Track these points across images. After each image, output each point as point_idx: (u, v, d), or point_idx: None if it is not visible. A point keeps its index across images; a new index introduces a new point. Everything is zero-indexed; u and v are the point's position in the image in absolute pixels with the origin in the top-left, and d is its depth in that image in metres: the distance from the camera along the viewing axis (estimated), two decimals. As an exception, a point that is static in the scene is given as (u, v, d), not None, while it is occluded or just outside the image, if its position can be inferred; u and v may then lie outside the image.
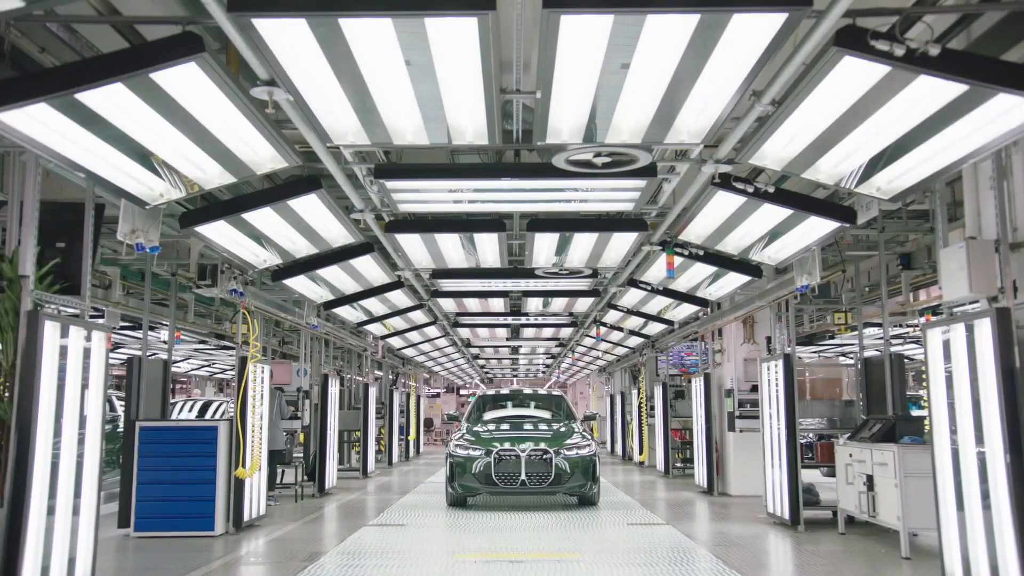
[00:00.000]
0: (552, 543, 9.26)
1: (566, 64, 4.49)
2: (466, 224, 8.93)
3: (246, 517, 10.06)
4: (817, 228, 7.70)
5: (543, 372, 38.11)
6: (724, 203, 7.30)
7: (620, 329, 16.80)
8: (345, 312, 13.44)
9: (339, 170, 6.72)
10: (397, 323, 15.84)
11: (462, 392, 49.95)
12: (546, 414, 15.20)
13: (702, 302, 12.55)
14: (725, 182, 6.22)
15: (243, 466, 9.73)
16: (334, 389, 15.25)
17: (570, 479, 12.01)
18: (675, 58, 4.47)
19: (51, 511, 5.99)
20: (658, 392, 17.91)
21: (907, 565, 7.80)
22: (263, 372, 10.69)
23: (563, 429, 13.28)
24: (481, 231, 8.94)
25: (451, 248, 9.63)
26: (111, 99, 4.59)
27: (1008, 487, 5.57)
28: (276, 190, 7.24)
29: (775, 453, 10.43)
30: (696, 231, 8.45)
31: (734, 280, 10.71)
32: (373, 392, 18.55)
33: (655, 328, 16.06)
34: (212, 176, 6.16)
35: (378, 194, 7.39)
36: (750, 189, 6.21)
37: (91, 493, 6.57)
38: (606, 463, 20.58)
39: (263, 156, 5.87)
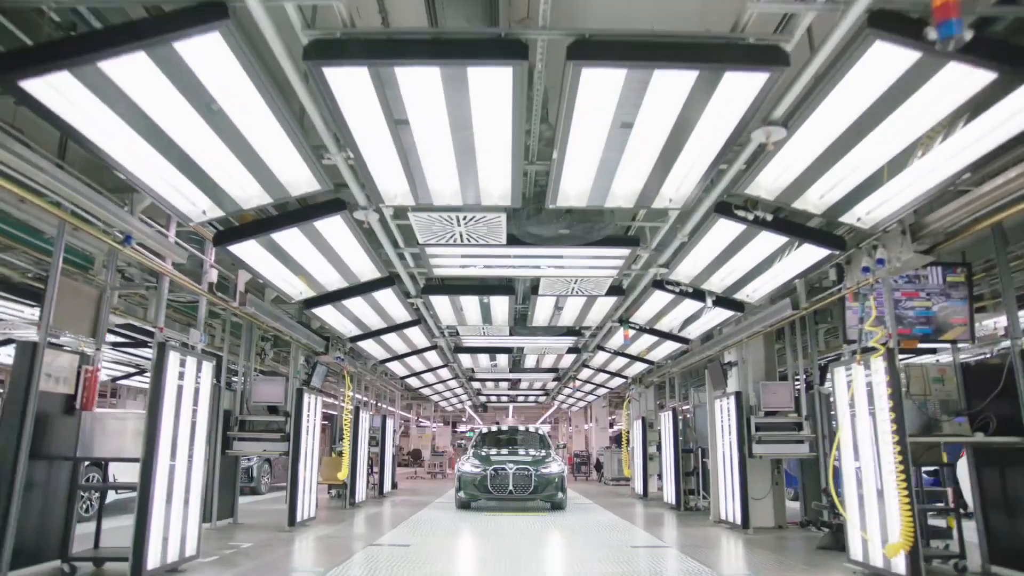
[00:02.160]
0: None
1: (580, 123, 3.90)
2: (482, 288, 8.31)
3: (300, 517, 9.19)
4: (799, 263, 6.24)
5: (539, 401, 34.80)
6: (712, 242, 6.08)
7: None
8: (370, 348, 11.36)
9: (386, 238, 6.14)
10: (415, 364, 14.09)
11: (458, 428, 41.78)
12: (530, 443, 14.86)
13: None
14: (726, 211, 5.38)
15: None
16: (366, 422, 13.99)
17: (545, 489, 12.05)
18: (667, 126, 3.94)
19: (169, 500, 5.91)
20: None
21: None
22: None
23: (542, 455, 13.17)
24: (494, 295, 8.34)
25: (471, 309, 9.00)
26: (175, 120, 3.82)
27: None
28: (302, 211, 5.52)
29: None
30: (685, 271, 7.10)
31: (717, 316, 8.93)
32: (391, 423, 17.04)
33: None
34: (251, 195, 4.91)
35: (415, 257, 6.79)
36: (750, 217, 5.35)
37: (197, 488, 6.36)
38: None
39: (299, 177, 4.73)
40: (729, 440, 9.57)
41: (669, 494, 12.94)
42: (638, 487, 15.70)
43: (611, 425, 27.62)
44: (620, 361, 13.33)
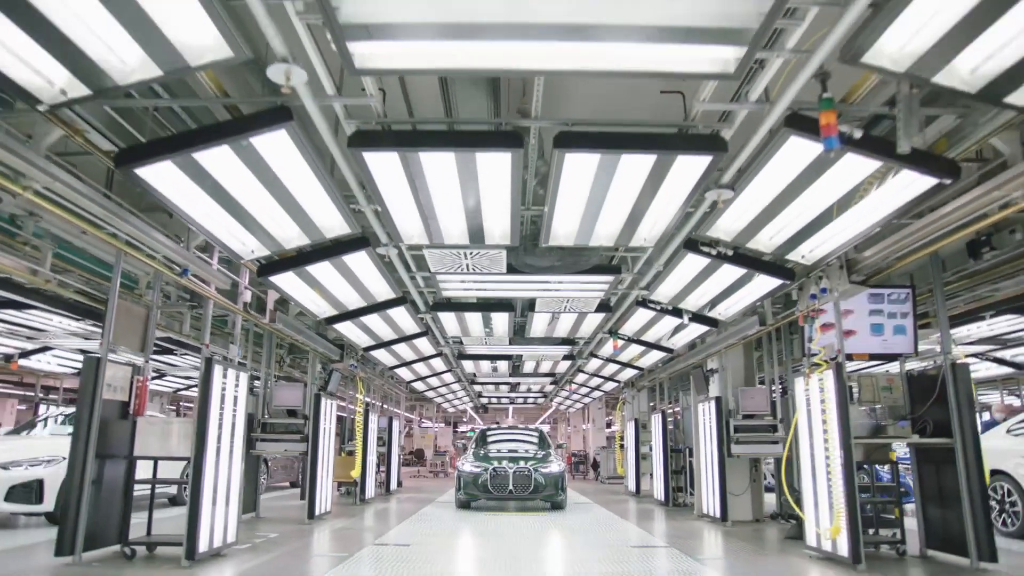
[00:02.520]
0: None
1: (565, 190, 4.90)
2: (484, 306, 9.28)
3: (317, 512, 10.18)
4: (759, 289, 7.30)
5: (538, 402, 35.22)
6: (684, 270, 7.11)
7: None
8: (381, 355, 12.40)
9: (402, 266, 7.13)
10: (421, 369, 15.06)
11: (459, 428, 42.51)
12: (530, 443, 15.09)
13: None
14: (693, 247, 6.31)
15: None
16: (373, 423, 14.88)
17: (545, 489, 12.03)
18: (635, 191, 4.91)
19: (214, 493, 6.78)
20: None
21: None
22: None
23: (541, 454, 13.23)
24: (495, 311, 9.31)
25: (474, 322, 9.97)
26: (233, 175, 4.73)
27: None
28: (333, 247, 6.38)
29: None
30: (664, 291, 8.11)
31: (696, 330, 9.94)
32: (397, 425, 17.69)
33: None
34: (292, 237, 5.87)
35: (426, 280, 7.76)
36: (714, 252, 6.23)
37: (236, 483, 7.28)
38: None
39: (333, 223, 5.72)
40: (711, 441, 10.54)
41: (659, 491, 13.90)
42: (631, 485, 16.67)
43: (608, 425, 28.48)
44: (613, 367, 14.31)
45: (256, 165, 4.47)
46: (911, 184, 4.44)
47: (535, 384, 20.45)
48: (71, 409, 11.25)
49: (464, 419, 40.93)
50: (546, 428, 23.04)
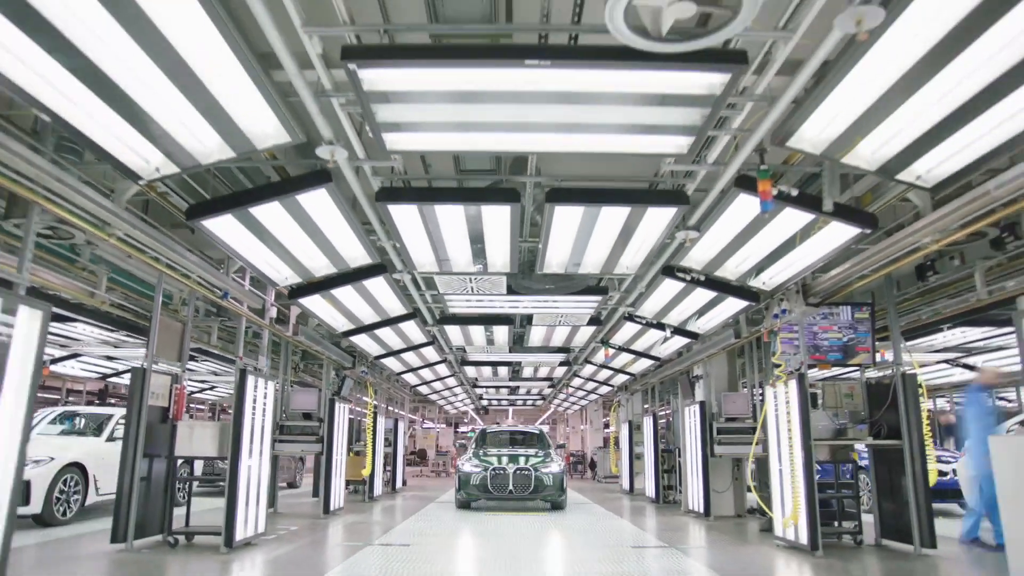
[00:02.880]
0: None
1: (556, 231, 5.85)
2: (486, 320, 10.21)
3: (332, 508, 11.15)
4: (729, 308, 8.36)
5: (537, 404, 35.69)
6: (664, 292, 8.07)
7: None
8: (390, 363, 13.36)
9: (413, 287, 8.08)
10: (425, 374, 15.75)
11: (460, 429, 42.77)
12: (530, 443, 15.24)
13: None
14: (670, 273, 7.25)
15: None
16: (380, 425, 15.49)
17: (545, 489, 12.17)
18: (615, 233, 5.86)
19: (247, 488, 7.61)
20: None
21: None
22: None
23: (542, 454, 13.28)
24: (496, 324, 10.27)
25: (477, 333, 10.93)
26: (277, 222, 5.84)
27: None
28: (354, 273, 7.21)
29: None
30: (648, 307, 9.09)
31: (680, 340, 10.79)
32: (402, 426, 18.54)
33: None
34: (321, 266, 6.80)
35: (434, 297, 8.71)
36: (688, 278, 7.18)
37: (265, 480, 8.18)
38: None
39: (356, 254, 6.63)
40: (695, 442, 11.48)
41: (650, 489, 14.85)
42: (625, 484, 17.65)
43: (606, 426, 29.41)
44: (607, 372, 15.27)
45: (298, 214, 5.43)
46: (844, 231, 5.40)
47: (534, 387, 21.35)
48: (63, 408, 12.04)
49: (465, 420, 41.73)
50: (545, 428, 23.94)
